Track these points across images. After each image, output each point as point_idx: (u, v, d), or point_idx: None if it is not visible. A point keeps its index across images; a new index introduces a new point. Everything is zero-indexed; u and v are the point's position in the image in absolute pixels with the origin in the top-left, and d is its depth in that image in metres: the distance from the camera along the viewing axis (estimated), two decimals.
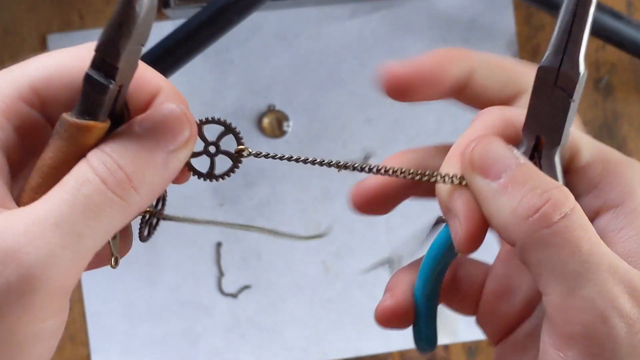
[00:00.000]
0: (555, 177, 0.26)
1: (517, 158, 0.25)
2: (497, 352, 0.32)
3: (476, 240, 0.26)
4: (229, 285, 0.67)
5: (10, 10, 0.66)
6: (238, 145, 0.30)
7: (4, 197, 0.24)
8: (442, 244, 0.29)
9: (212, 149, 0.31)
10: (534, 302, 0.31)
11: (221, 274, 0.67)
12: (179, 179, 0.28)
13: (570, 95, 0.25)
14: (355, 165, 0.29)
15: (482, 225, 0.26)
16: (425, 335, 0.32)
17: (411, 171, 0.28)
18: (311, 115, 0.67)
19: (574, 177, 0.27)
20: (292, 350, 0.67)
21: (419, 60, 0.30)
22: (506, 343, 0.32)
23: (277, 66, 0.67)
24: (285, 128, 0.66)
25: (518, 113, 0.27)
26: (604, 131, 0.69)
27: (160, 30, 0.66)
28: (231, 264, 0.67)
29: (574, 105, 0.26)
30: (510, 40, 0.68)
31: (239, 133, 0.30)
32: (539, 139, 0.26)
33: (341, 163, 0.29)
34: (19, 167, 0.25)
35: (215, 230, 0.67)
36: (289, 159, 0.30)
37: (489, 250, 0.35)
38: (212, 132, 0.29)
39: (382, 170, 0.29)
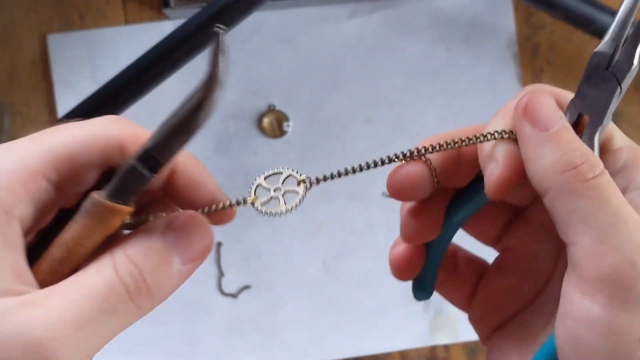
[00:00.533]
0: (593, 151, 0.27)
1: (565, 119, 0.27)
2: (491, 344, 0.33)
3: (508, 185, 0.28)
4: (229, 285, 0.67)
5: (10, 10, 0.66)
6: (299, 181, 0.32)
7: (23, 271, 0.24)
8: (474, 191, 0.31)
9: (277, 192, 0.33)
10: (532, 293, 0.32)
11: (221, 274, 0.67)
12: (223, 221, 0.32)
13: (619, 81, 0.27)
14: (406, 154, 0.31)
15: (518, 171, 0.28)
16: (428, 285, 0.34)
17: (457, 140, 0.30)
18: (311, 115, 0.67)
19: (607, 157, 0.28)
20: (292, 350, 0.67)
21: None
22: (501, 335, 0.33)
23: (277, 66, 0.67)
24: (285, 128, 0.66)
25: (564, 93, 0.29)
26: None
27: (160, 30, 0.66)
28: (231, 264, 0.66)
29: (620, 94, 0.27)
30: (510, 40, 0.68)
31: (297, 172, 0.32)
32: (581, 117, 0.28)
33: (392, 156, 0.31)
34: (25, 235, 0.26)
35: (215, 230, 0.67)
36: (346, 172, 0.33)
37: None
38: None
39: (431, 148, 0.31)
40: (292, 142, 0.67)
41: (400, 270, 0.33)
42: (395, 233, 0.33)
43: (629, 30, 0.27)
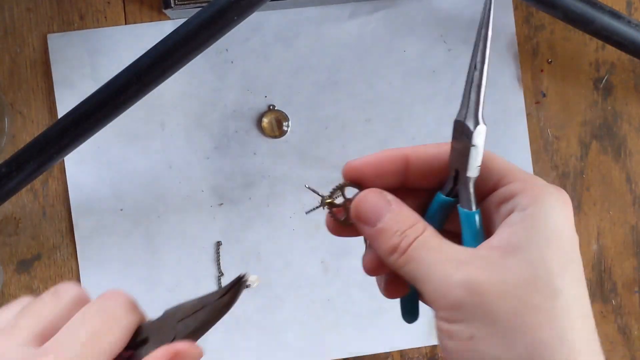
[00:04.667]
0: (469, 198, 0.34)
1: (389, 205, 0.34)
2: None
3: (377, 270, 0.36)
4: None
5: (10, 10, 0.66)
6: (360, 190, 0.36)
7: None
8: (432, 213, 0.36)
9: (339, 200, 0.37)
10: None
11: (221, 273, 0.67)
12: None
13: (470, 143, 0.33)
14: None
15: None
16: (415, 307, 0.39)
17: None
18: (311, 115, 0.67)
19: (500, 191, 0.34)
20: (292, 350, 0.67)
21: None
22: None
23: (277, 66, 0.67)
24: (285, 128, 0.66)
25: (417, 149, 0.35)
26: (604, 131, 0.69)
27: (160, 30, 0.66)
28: (230, 264, 0.67)
29: (475, 150, 0.33)
30: (510, 40, 0.68)
31: (353, 183, 0.36)
32: (458, 171, 0.34)
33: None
34: None
35: (215, 230, 0.67)
36: None
37: None
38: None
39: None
40: (292, 142, 0.67)
41: (386, 292, 0.38)
42: None
43: (470, 96, 0.33)
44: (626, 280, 0.69)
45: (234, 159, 0.66)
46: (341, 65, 0.67)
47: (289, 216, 0.67)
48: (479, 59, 0.33)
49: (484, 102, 0.32)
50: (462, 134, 0.33)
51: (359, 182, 0.35)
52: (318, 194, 0.36)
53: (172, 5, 0.63)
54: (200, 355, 0.33)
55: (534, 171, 0.68)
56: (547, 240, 0.31)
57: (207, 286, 0.66)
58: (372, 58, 0.67)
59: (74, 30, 0.66)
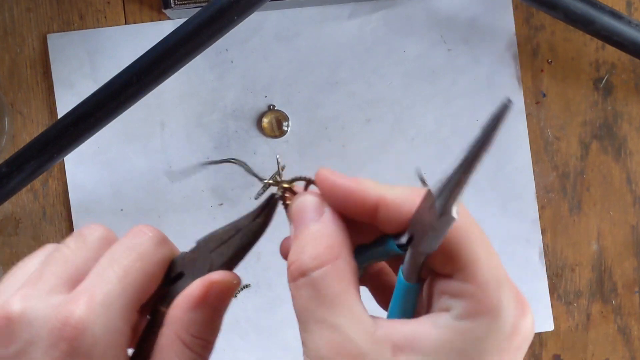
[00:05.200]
0: (413, 269, 0.30)
1: (320, 216, 0.31)
2: None
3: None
4: None
5: (10, 11, 0.66)
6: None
7: None
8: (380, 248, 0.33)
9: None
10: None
11: None
12: None
13: (432, 226, 0.28)
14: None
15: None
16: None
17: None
18: (311, 115, 0.67)
19: (449, 282, 0.30)
20: (291, 350, 0.67)
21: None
22: None
23: (276, 66, 0.67)
24: (285, 128, 0.66)
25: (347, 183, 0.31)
26: (604, 131, 0.69)
27: (160, 30, 0.66)
28: None
29: (435, 236, 0.28)
30: (510, 40, 0.68)
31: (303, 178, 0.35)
32: (413, 236, 0.30)
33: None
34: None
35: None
36: None
37: None
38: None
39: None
40: (292, 142, 0.67)
41: None
42: None
43: (451, 186, 0.28)
44: (626, 280, 0.69)
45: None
46: (341, 65, 0.67)
47: None
48: (473, 154, 0.28)
49: (460, 198, 0.28)
50: (428, 208, 0.29)
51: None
52: (277, 179, 0.34)
53: (172, 5, 0.63)
54: (238, 283, 0.32)
55: (534, 171, 0.68)
56: None
57: None
58: (372, 58, 0.67)
59: (74, 30, 0.66)
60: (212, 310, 0.30)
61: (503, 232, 0.67)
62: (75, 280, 0.30)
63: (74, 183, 0.66)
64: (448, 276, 0.29)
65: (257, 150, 0.66)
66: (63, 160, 0.65)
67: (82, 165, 0.66)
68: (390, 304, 0.31)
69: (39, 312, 0.29)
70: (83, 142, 0.57)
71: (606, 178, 0.69)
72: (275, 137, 0.66)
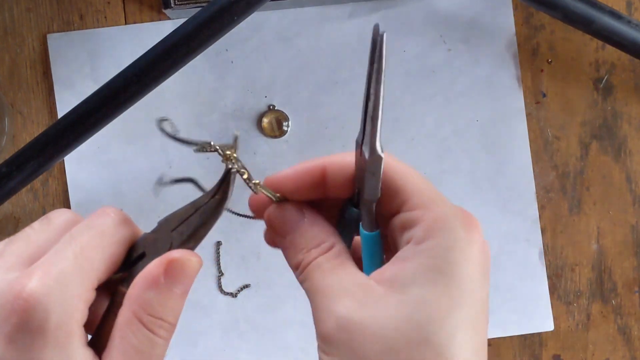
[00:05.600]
0: (368, 219, 0.32)
1: (302, 219, 0.33)
2: None
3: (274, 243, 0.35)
4: (229, 285, 0.67)
5: (10, 11, 0.66)
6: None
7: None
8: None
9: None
10: None
11: (220, 273, 0.67)
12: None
13: (366, 169, 0.31)
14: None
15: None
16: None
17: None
18: (311, 115, 0.67)
19: (401, 216, 0.32)
20: (291, 350, 0.67)
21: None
22: None
23: (276, 66, 0.67)
24: (285, 128, 0.66)
25: (338, 158, 0.33)
26: (604, 131, 0.69)
27: (160, 30, 0.66)
28: (230, 264, 0.67)
29: (371, 177, 0.31)
30: (510, 40, 0.68)
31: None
32: (359, 190, 0.32)
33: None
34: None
35: (215, 229, 0.67)
36: None
37: None
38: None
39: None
40: (292, 142, 0.67)
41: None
42: None
43: (369, 127, 0.31)
44: (626, 280, 0.69)
45: None
46: (341, 65, 0.67)
47: None
48: (372, 90, 0.31)
49: (380, 132, 0.30)
50: (361, 156, 0.31)
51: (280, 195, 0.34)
52: (226, 153, 0.34)
53: (172, 5, 0.63)
54: (199, 263, 0.32)
55: (534, 171, 0.68)
56: (434, 281, 0.29)
57: (207, 286, 0.66)
58: None
59: (74, 30, 0.66)
60: (171, 290, 0.30)
61: (503, 232, 0.67)
62: (35, 259, 0.30)
63: (74, 183, 0.66)
64: (399, 211, 0.32)
65: (257, 150, 0.66)
66: (63, 160, 0.65)
67: (82, 165, 0.66)
68: (362, 260, 0.33)
69: None
70: (83, 142, 0.57)
71: (606, 178, 0.69)
72: (275, 137, 0.66)
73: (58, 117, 0.65)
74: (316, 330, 0.31)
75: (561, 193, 0.69)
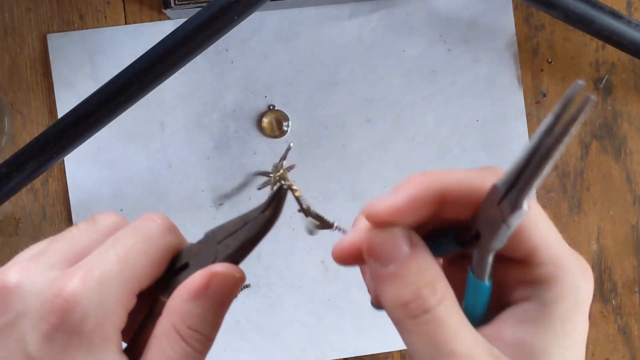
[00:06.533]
0: (483, 267, 0.29)
1: (407, 251, 0.28)
2: None
3: (347, 260, 0.31)
4: None
5: (10, 11, 0.66)
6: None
7: None
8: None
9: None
10: None
11: None
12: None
13: (504, 221, 0.27)
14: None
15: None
16: None
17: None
18: (311, 115, 0.67)
19: (526, 271, 0.29)
20: (292, 351, 0.67)
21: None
22: None
23: (276, 66, 0.67)
24: (285, 128, 0.66)
25: (449, 176, 0.30)
26: (604, 131, 0.69)
27: (160, 30, 0.66)
28: None
29: (507, 229, 0.27)
30: (510, 40, 0.68)
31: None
32: (479, 233, 0.29)
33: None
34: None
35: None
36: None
37: None
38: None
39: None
40: (292, 142, 0.67)
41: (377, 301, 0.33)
42: None
43: (524, 175, 0.27)
44: (626, 280, 0.69)
45: (234, 159, 0.66)
46: (341, 65, 0.67)
47: (289, 216, 0.67)
48: (546, 144, 0.26)
49: (533, 191, 0.27)
50: (495, 203, 0.27)
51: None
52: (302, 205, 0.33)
53: (172, 5, 0.63)
54: (242, 278, 0.30)
55: None
56: (564, 347, 0.28)
57: None
58: (372, 58, 0.67)
59: (74, 30, 0.66)
60: (212, 304, 0.30)
61: None
62: (78, 260, 0.30)
63: (74, 183, 0.66)
64: (519, 260, 0.29)
65: (257, 150, 0.66)
66: (63, 160, 0.65)
67: (82, 165, 0.66)
68: (465, 305, 0.30)
69: (35, 285, 0.28)
70: (83, 142, 0.57)
71: (606, 178, 0.69)
72: (275, 137, 0.66)
73: (58, 117, 0.65)
74: None
75: (561, 193, 0.69)
